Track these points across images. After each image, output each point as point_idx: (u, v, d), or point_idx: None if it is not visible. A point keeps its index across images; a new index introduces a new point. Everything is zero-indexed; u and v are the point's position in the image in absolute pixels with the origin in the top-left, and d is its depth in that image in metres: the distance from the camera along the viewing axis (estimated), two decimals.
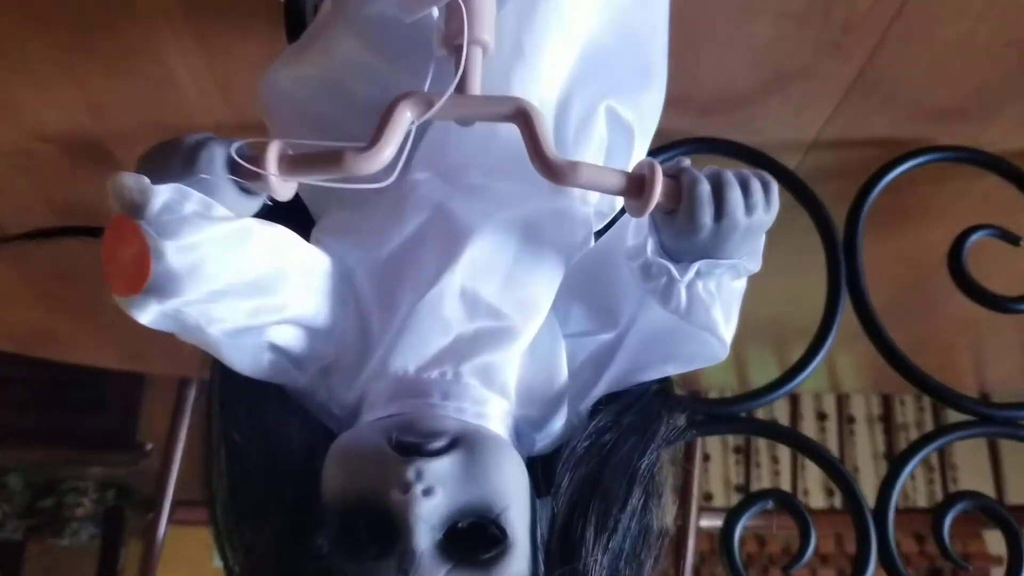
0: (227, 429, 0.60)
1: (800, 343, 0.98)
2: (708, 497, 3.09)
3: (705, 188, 0.54)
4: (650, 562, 0.58)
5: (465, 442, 0.54)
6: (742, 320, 0.60)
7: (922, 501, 2.98)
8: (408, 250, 0.60)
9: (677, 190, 0.54)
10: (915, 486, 3.01)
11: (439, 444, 0.54)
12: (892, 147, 1.11)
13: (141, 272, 0.48)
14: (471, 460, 0.53)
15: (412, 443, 0.53)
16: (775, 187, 0.56)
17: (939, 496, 3.03)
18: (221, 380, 0.61)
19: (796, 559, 0.98)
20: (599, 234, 0.65)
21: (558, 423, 0.62)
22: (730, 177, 0.55)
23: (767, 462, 3.16)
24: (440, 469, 0.53)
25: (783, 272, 0.78)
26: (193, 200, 0.50)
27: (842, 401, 3.07)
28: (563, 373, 0.62)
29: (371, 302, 0.60)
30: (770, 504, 0.98)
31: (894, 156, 1.09)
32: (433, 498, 0.51)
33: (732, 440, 3.16)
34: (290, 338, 0.59)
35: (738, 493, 3.13)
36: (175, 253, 0.48)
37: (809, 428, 3.07)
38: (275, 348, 0.59)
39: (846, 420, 3.11)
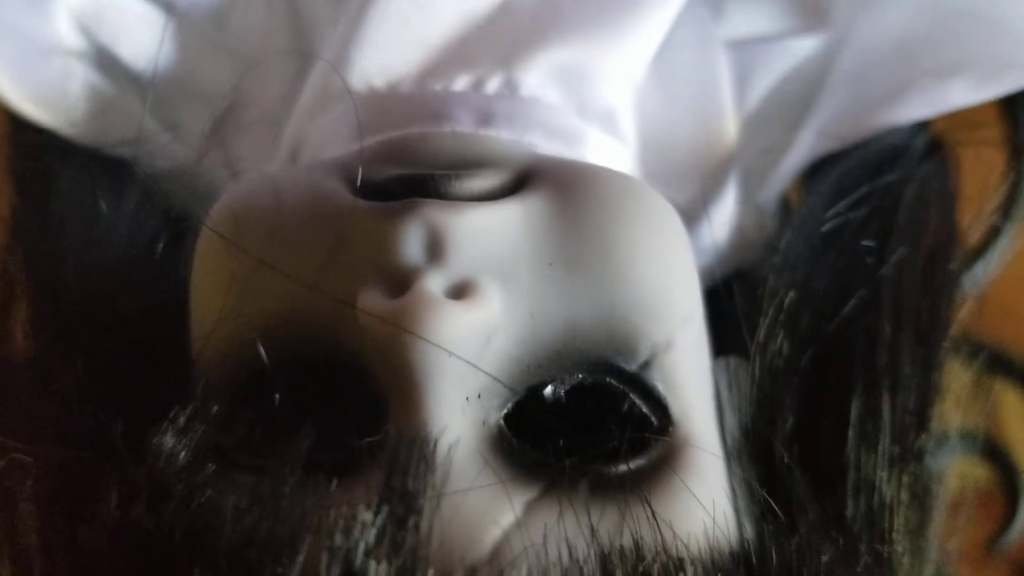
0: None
1: None
2: None
3: None
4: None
5: (554, 178, 0.21)
6: None
7: None
8: None
9: None
10: None
11: (487, 180, 0.21)
12: None
13: None
14: (574, 214, 0.21)
15: (411, 177, 0.21)
16: None
17: None
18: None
19: (1003, 531, 0.62)
20: None
21: (719, 218, 0.29)
22: None
23: None
24: (490, 231, 0.20)
25: None
26: None
27: None
28: (726, 116, 0.30)
29: None
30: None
31: None
32: (476, 308, 0.19)
33: None
34: (134, 37, 0.27)
35: None
36: None
37: None
38: (102, 60, 0.27)
39: None
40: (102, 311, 0.23)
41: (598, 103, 0.26)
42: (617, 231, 0.20)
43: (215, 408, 0.19)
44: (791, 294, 0.24)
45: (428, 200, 0.20)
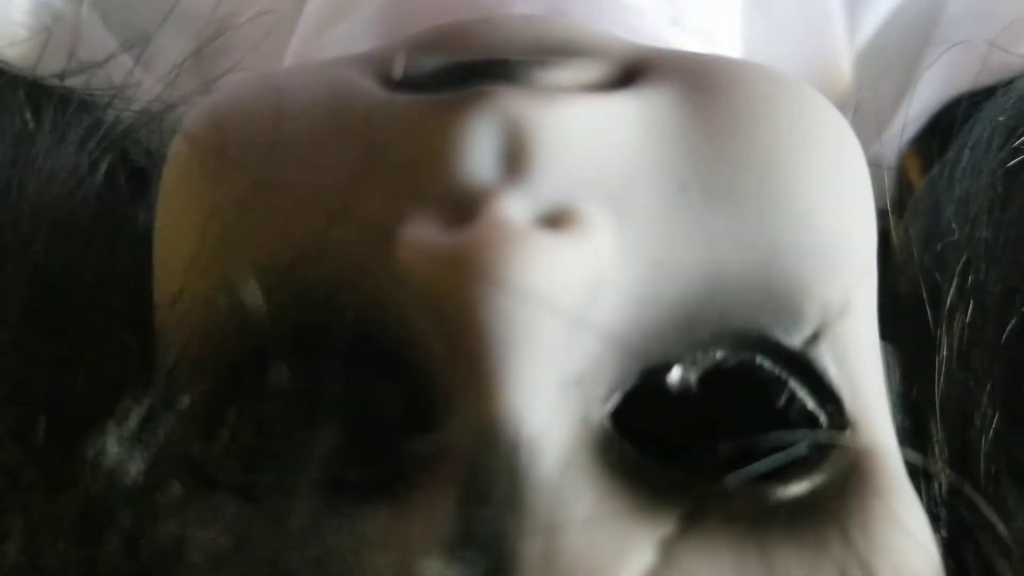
0: None
1: None
2: None
3: None
4: None
5: (681, 70, 0.15)
6: None
7: None
8: None
9: None
10: None
11: (585, 70, 0.15)
12: None
13: None
14: (715, 119, 0.14)
15: (477, 64, 0.14)
16: None
17: None
18: None
19: None
20: None
21: None
22: None
23: None
24: (595, 135, 0.13)
25: None
26: None
27: None
28: (839, 52, 0.24)
29: None
30: None
31: None
32: (579, 244, 0.12)
33: None
34: None
35: None
36: None
37: None
38: None
39: None
40: (26, 265, 0.16)
41: (695, 20, 0.21)
42: (779, 143, 0.14)
43: (185, 399, 0.13)
44: (980, 254, 0.18)
45: (504, 86, 0.13)
